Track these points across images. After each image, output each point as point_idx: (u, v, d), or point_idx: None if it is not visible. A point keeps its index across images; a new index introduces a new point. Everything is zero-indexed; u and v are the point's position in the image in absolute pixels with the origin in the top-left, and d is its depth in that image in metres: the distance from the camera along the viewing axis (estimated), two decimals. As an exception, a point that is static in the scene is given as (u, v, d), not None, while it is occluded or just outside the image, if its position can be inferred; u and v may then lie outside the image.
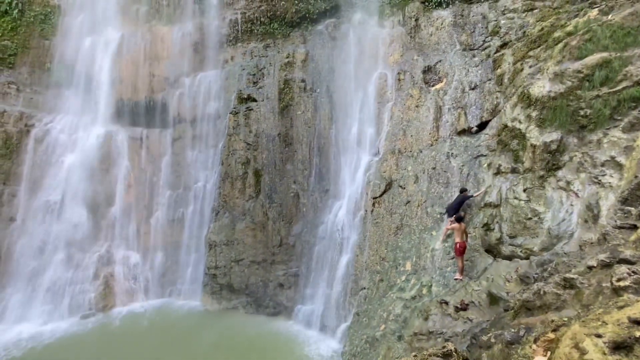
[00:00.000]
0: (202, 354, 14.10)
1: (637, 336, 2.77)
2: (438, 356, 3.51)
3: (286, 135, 18.38)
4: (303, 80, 18.56)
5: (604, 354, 2.73)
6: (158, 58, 20.68)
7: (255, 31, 20.32)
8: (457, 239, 10.81)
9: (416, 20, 16.89)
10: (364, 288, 14.23)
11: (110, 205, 19.11)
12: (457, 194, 13.13)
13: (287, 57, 19.00)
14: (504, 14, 15.07)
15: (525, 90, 11.53)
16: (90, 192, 18.72)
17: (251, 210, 18.28)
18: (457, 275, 10.97)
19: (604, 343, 2.80)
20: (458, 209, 11.94)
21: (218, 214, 18.78)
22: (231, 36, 20.61)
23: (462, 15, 16.04)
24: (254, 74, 19.59)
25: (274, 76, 19.08)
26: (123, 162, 19.60)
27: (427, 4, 16.86)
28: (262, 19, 20.12)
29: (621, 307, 3.26)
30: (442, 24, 16.33)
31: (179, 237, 19.69)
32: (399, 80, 16.52)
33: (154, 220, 19.72)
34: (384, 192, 15.04)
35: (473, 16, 15.79)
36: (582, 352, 2.82)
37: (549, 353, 3.44)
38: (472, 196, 12.20)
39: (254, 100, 19.18)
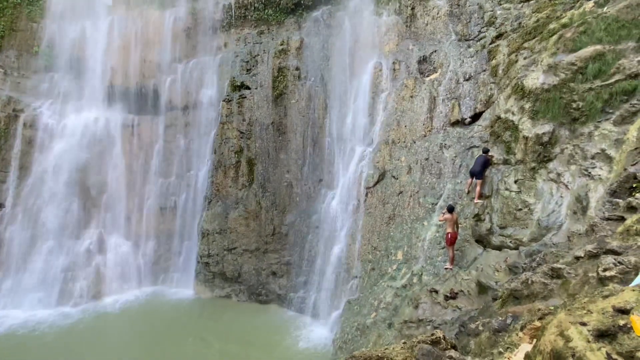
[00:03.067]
0: (194, 341, 14.19)
1: (621, 324, 2.84)
2: (427, 343, 3.57)
3: (280, 124, 18.26)
4: (297, 69, 18.37)
5: (588, 341, 2.79)
6: (149, 43, 20.26)
7: (249, 17, 19.96)
8: (449, 229, 10.92)
9: (412, 9, 16.72)
10: (356, 277, 14.37)
11: (101, 192, 18.91)
12: (448, 185, 13.21)
13: (282, 45, 18.75)
14: (500, 5, 14.98)
15: (519, 82, 11.55)
16: (81, 179, 18.49)
17: (244, 199, 18.24)
18: (448, 265, 11.12)
19: (589, 331, 2.86)
20: (483, 171, 11.66)
21: (211, 203, 18.71)
22: (224, 22, 20.24)
23: (459, 5, 15.91)
24: (248, 61, 19.32)
25: (267, 64, 18.85)
26: (114, 149, 19.34)
27: (423, -8, 16.67)
28: (256, 5, 19.75)
29: (606, 297, 3.32)
30: (438, 13, 16.20)
31: (171, 225, 19.62)
32: (394, 70, 16.42)
33: (146, 208, 19.59)
34: (377, 182, 15.08)
35: (469, 6, 15.68)
36: (567, 339, 2.88)
37: (534, 340, 3.52)
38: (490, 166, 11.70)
39: (248, 88, 18.96)
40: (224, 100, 19.04)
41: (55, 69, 19.49)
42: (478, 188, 11.65)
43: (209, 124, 19.59)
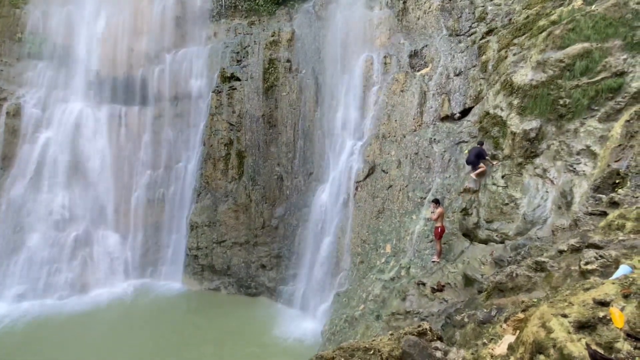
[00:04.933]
0: (183, 333, 14.16)
1: (600, 316, 2.93)
2: (413, 334, 3.63)
3: (270, 117, 18.13)
4: (288, 61, 18.22)
5: (569, 332, 2.87)
6: (137, 32, 19.83)
7: (240, 7, 19.69)
8: (437, 223, 11.05)
9: (404, 2, 16.67)
10: (345, 269, 14.47)
11: (87, 183, 18.59)
12: (437, 179, 13.33)
13: (273, 36, 18.55)
14: (491, 0, 15.04)
15: (508, 78, 11.66)
16: (67, 170, 18.13)
17: (234, 192, 18.14)
18: (435, 258, 11.27)
19: (569, 323, 2.94)
20: (478, 162, 11.51)
21: (200, 195, 18.57)
22: (214, 11, 19.93)
23: (450, 0, 15.92)
24: (238, 52, 19.09)
25: (258, 55, 18.64)
26: (101, 139, 18.99)
27: (415, -14, 16.61)
28: (247, -5, 19.49)
29: (587, 289, 3.42)
30: (429, 7, 16.19)
31: (159, 217, 19.42)
32: (385, 64, 16.40)
33: (134, 200, 19.34)
34: (367, 176, 15.14)
35: (461, 1, 15.70)
36: (549, 331, 2.96)
37: (517, 332, 3.60)
38: (487, 156, 11.56)
39: (238, 79, 18.75)
40: (213, 92, 18.80)
41: (40, 56, 18.97)
42: (477, 171, 11.55)
43: (198, 116, 19.35)
